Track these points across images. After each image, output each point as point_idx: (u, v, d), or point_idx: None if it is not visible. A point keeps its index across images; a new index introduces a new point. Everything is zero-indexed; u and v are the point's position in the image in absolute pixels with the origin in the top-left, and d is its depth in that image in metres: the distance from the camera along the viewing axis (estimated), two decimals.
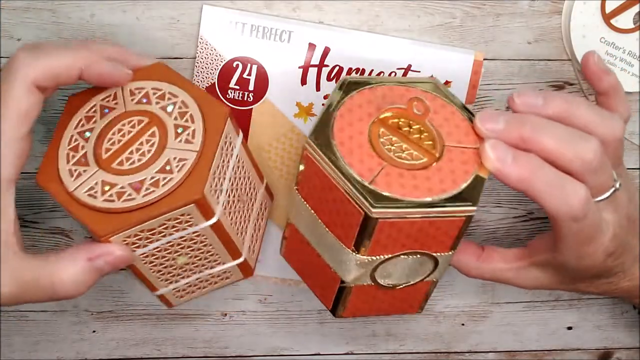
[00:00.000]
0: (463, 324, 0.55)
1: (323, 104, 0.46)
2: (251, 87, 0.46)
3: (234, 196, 0.39)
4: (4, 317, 0.53)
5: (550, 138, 0.36)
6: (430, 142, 0.37)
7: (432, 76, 0.43)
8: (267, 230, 0.48)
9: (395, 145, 0.37)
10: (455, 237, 0.37)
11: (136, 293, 0.52)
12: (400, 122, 0.38)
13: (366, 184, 0.35)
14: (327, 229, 0.38)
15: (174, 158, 0.36)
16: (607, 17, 0.45)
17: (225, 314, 0.54)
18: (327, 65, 0.46)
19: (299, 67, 0.46)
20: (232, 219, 0.39)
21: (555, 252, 0.40)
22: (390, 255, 0.37)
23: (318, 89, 0.46)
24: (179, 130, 0.37)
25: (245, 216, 0.41)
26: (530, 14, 0.46)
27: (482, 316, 0.55)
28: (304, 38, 0.45)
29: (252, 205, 0.42)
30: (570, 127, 0.37)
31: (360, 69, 0.46)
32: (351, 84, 0.39)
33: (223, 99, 0.46)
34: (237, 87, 0.46)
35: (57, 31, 0.44)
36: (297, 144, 0.47)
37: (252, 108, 0.46)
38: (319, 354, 0.55)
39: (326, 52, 0.45)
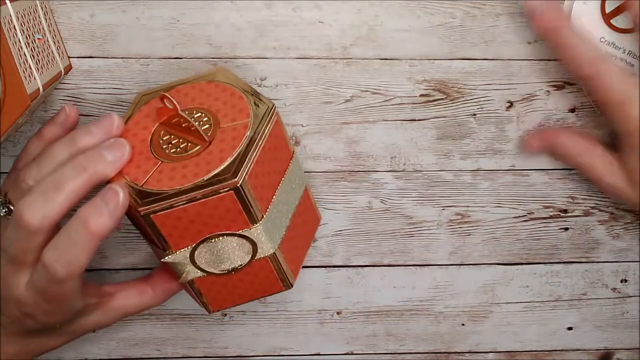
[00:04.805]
0: (463, 324, 0.55)
1: None
2: None
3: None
4: None
5: None
6: (208, 127, 0.39)
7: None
8: None
9: (173, 142, 0.39)
10: (243, 211, 0.38)
11: None
12: (181, 119, 0.39)
13: (137, 186, 0.37)
14: (153, 251, 0.42)
15: None
16: (607, 17, 0.45)
17: (225, 314, 0.54)
18: None
19: None
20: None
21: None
22: (195, 244, 0.39)
23: None
24: None
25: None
26: None
27: (482, 316, 0.55)
28: None
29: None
30: None
31: None
32: (145, 97, 0.42)
33: None
34: None
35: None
36: None
37: None
38: (319, 354, 0.55)
39: None
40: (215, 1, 0.45)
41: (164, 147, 0.39)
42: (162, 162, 0.38)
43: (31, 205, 0.36)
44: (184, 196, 0.37)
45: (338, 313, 0.54)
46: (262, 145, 0.38)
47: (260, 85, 0.47)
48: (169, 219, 0.37)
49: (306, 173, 0.50)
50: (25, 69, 0.38)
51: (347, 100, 0.48)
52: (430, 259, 0.53)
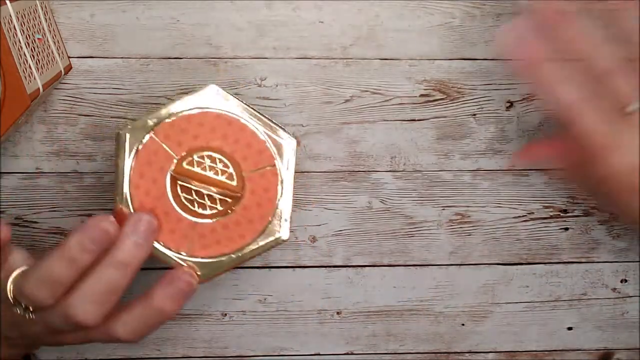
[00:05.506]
0: (463, 324, 0.55)
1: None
2: None
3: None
4: None
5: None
6: (227, 174, 0.38)
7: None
8: None
9: (198, 199, 0.38)
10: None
11: (136, 293, 0.52)
12: (195, 165, 0.37)
13: (187, 258, 0.38)
14: None
15: None
16: None
17: (225, 314, 0.54)
18: None
19: None
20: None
21: None
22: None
23: None
24: None
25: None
26: None
27: (482, 316, 0.55)
28: None
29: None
30: None
31: None
32: (132, 135, 0.37)
33: None
34: None
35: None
36: None
37: None
38: (319, 354, 0.55)
39: None
40: (215, 1, 0.45)
41: (187, 204, 0.38)
42: (197, 224, 0.38)
43: (84, 307, 0.36)
44: (236, 261, 0.39)
45: (338, 313, 0.54)
46: (292, 182, 0.39)
47: (260, 85, 0.47)
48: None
49: (306, 173, 0.50)
50: (25, 69, 0.38)
51: (347, 100, 0.48)
52: (430, 259, 0.53)
